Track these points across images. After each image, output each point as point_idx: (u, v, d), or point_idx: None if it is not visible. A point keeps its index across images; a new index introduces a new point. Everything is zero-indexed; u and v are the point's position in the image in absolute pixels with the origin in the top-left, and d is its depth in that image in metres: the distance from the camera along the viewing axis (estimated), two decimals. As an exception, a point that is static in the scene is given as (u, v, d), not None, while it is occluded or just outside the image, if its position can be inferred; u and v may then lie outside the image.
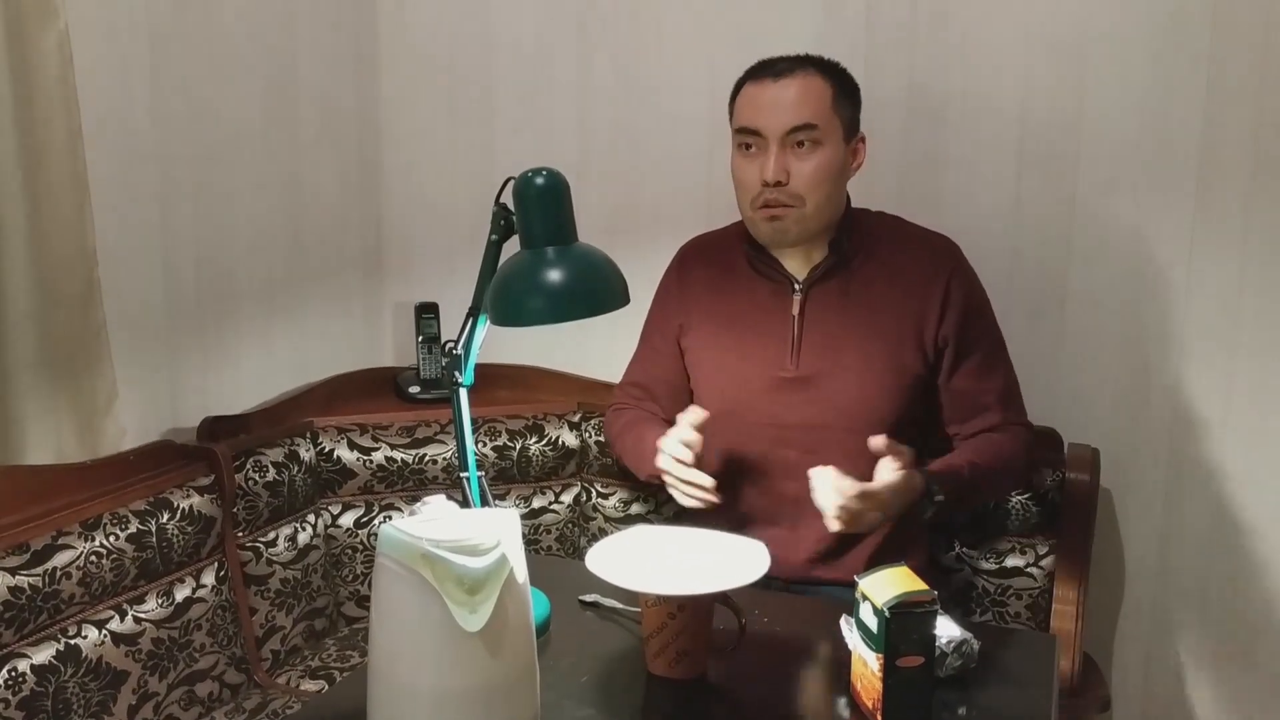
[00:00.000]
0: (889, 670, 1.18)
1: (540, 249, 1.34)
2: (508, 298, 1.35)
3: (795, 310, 1.68)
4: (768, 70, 1.64)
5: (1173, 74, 1.88)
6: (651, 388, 1.84)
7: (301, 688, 1.85)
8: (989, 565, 1.88)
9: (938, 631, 1.23)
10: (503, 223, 1.41)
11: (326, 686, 1.86)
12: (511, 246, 1.41)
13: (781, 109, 1.60)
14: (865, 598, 1.21)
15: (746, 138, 1.63)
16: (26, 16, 1.59)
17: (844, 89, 1.66)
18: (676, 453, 1.55)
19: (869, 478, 1.61)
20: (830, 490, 1.44)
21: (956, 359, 1.68)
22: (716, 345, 1.73)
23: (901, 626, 1.17)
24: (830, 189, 1.63)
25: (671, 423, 1.81)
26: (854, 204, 1.74)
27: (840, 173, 1.65)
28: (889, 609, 1.16)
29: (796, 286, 1.68)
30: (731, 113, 1.69)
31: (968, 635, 1.30)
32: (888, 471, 1.48)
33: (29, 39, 1.60)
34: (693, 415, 1.57)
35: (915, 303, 1.67)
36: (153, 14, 1.85)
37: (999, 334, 1.73)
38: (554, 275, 1.32)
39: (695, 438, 1.55)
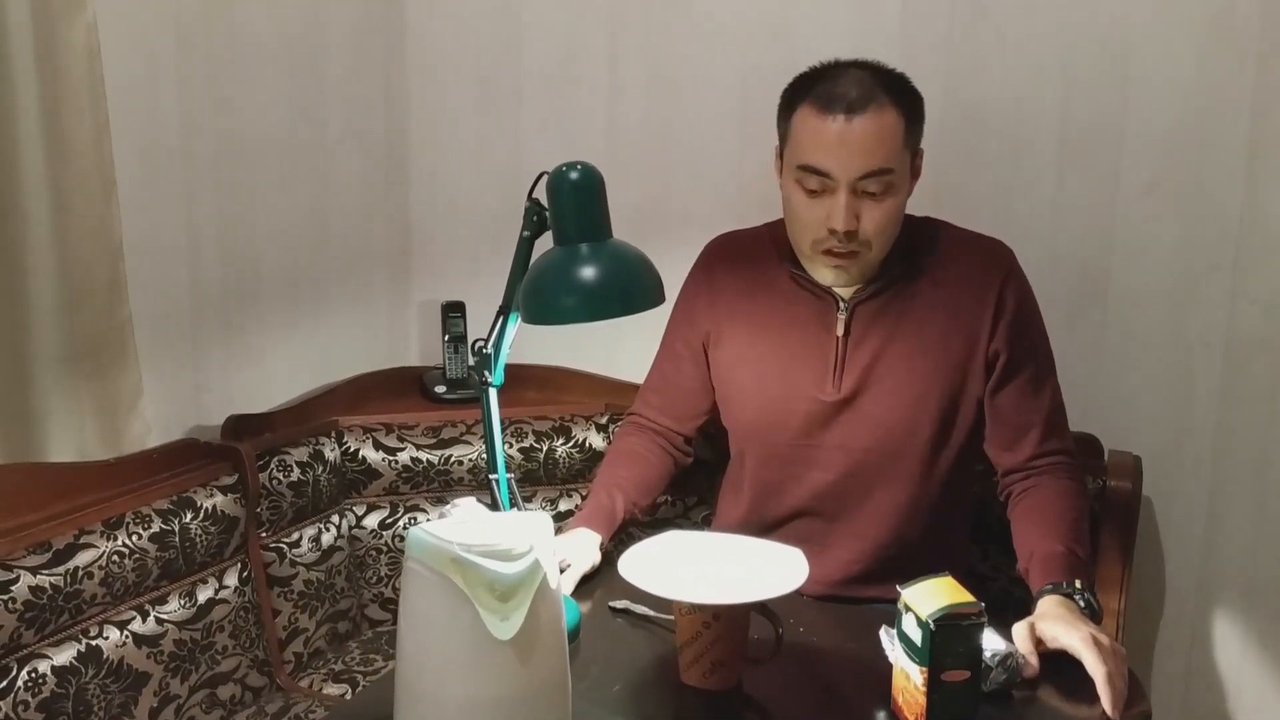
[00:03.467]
0: (933, 684, 1.14)
1: (574, 246, 1.31)
2: (540, 295, 1.31)
3: (840, 330, 1.57)
4: (836, 100, 1.44)
5: (1219, 71, 1.83)
6: (672, 400, 1.75)
7: (324, 691, 1.83)
8: (1027, 574, 1.84)
9: (983, 644, 1.19)
10: (535, 218, 1.38)
11: (349, 690, 1.83)
12: (544, 243, 1.38)
13: (854, 152, 1.44)
14: (908, 609, 1.17)
15: (810, 178, 1.47)
16: (54, 8, 1.58)
17: (914, 114, 1.50)
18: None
19: (907, 502, 1.56)
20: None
21: (1005, 373, 1.56)
22: (751, 362, 1.63)
23: (947, 639, 1.13)
24: (897, 227, 1.53)
25: (682, 437, 1.76)
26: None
27: (905, 204, 1.54)
28: (934, 621, 1.13)
29: (842, 304, 1.57)
30: (785, 133, 1.53)
31: (1013, 648, 1.26)
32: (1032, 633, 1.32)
33: (56, 31, 1.58)
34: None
35: (966, 318, 1.55)
36: (180, 8, 1.83)
37: (1049, 349, 1.62)
38: (588, 273, 1.29)
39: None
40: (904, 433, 1.57)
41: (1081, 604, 1.36)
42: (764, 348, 1.62)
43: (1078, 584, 1.38)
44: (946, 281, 1.58)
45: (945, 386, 1.56)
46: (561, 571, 1.45)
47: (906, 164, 1.51)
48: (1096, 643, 1.26)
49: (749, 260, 1.67)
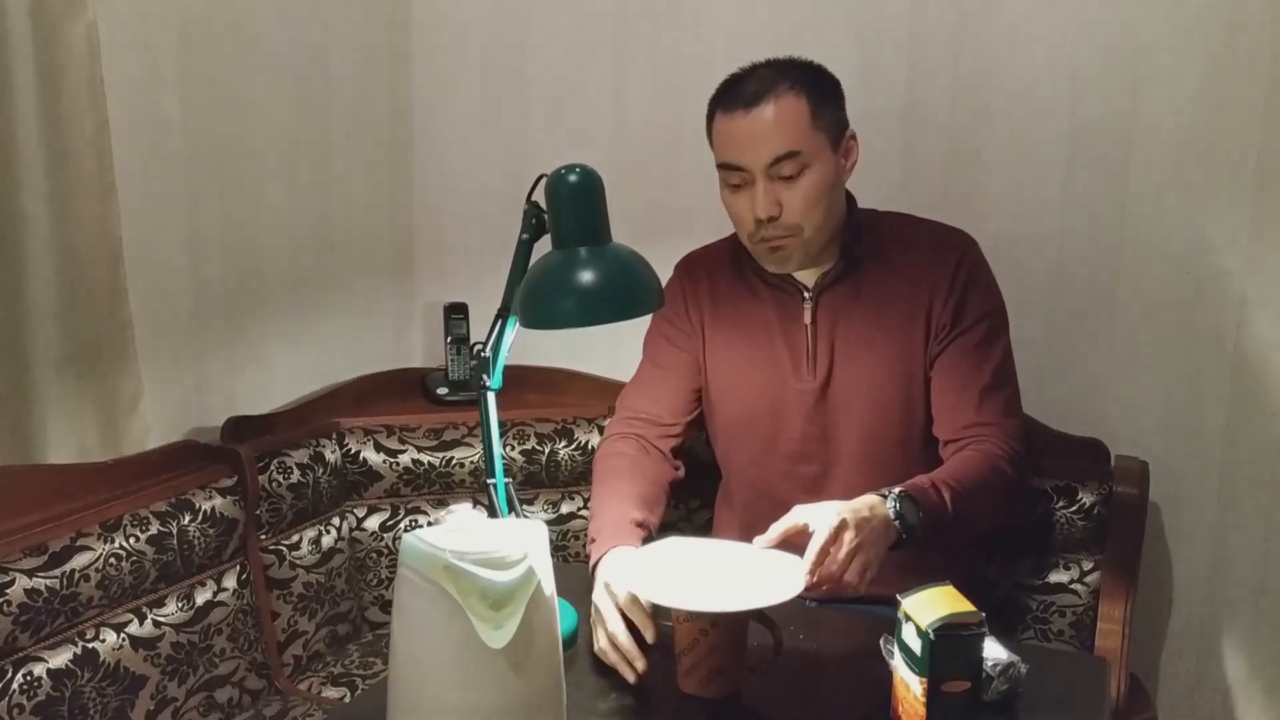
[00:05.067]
0: (933, 695, 1.12)
1: (572, 249, 1.30)
2: (538, 299, 1.30)
3: (807, 319, 1.61)
4: (737, 98, 1.52)
5: (1230, 73, 1.81)
6: (662, 395, 1.71)
7: (323, 695, 1.82)
8: (1032, 581, 1.82)
9: (984, 654, 1.17)
10: (534, 221, 1.37)
11: (349, 694, 1.82)
12: (544, 246, 1.36)
13: (759, 141, 1.50)
14: (908, 618, 1.15)
15: (729, 174, 1.54)
16: (54, 9, 1.57)
17: (822, 97, 1.53)
18: (617, 634, 1.33)
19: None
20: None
21: (946, 341, 1.57)
22: (730, 360, 1.66)
23: (947, 649, 1.11)
24: (826, 206, 1.54)
25: (671, 441, 1.68)
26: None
27: (834, 184, 1.56)
28: (934, 631, 1.11)
29: (806, 294, 1.61)
30: (710, 141, 1.59)
31: (1015, 658, 1.24)
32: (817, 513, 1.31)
33: (57, 31, 1.58)
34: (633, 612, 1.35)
35: (922, 295, 1.58)
36: (182, 7, 1.82)
37: (1000, 328, 1.60)
38: (586, 276, 1.28)
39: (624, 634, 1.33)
40: (880, 414, 1.58)
41: (893, 505, 1.36)
42: (741, 346, 1.65)
43: (897, 490, 1.38)
44: (907, 264, 1.60)
45: (906, 364, 1.58)
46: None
47: (821, 144, 1.53)
48: (839, 525, 1.27)
49: (718, 269, 1.70)
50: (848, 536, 1.28)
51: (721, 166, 1.56)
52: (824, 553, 1.27)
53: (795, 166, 1.50)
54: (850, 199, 1.63)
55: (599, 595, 1.38)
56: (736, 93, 1.53)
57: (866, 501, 1.35)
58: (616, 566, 1.39)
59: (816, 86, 1.53)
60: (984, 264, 1.62)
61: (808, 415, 1.61)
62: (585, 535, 2.05)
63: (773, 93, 1.50)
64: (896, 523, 1.36)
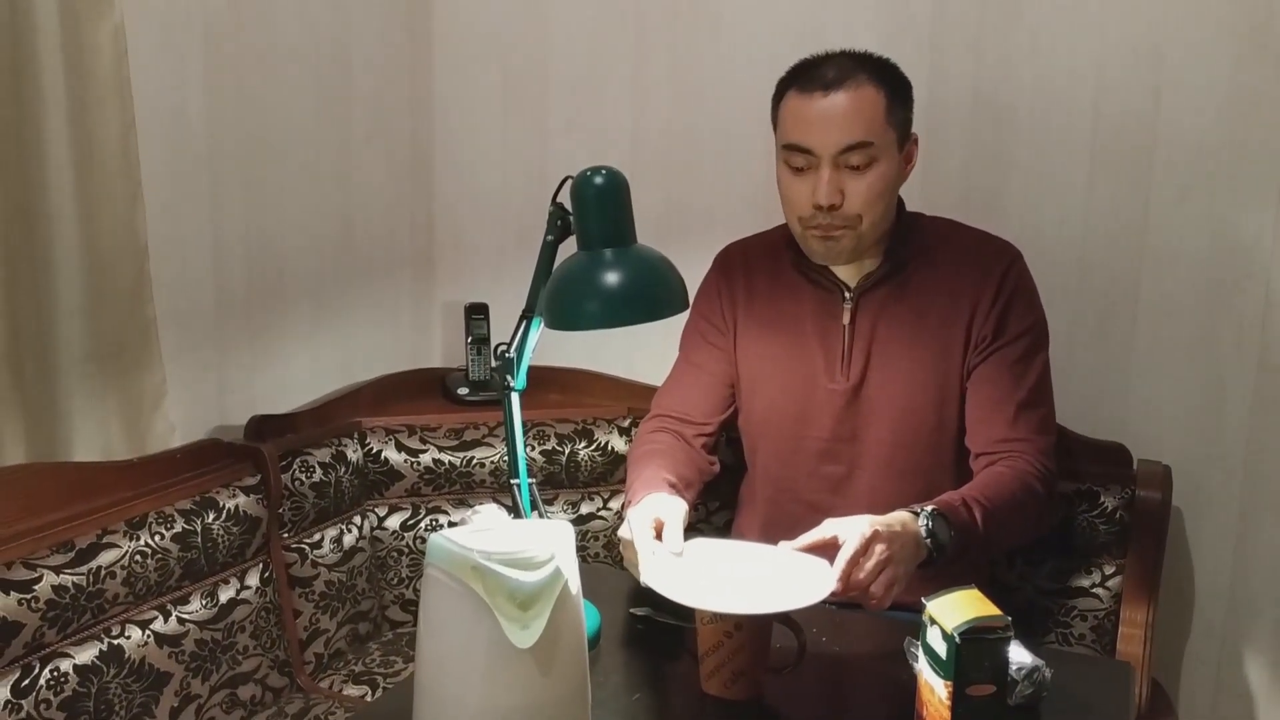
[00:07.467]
0: (958, 699, 1.12)
1: (597, 251, 1.30)
2: (564, 301, 1.30)
3: (846, 320, 1.60)
4: (815, 80, 1.51)
5: (1254, 78, 1.80)
6: (697, 394, 1.71)
7: (345, 693, 1.83)
8: (1053, 585, 1.82)
9: (1009, 658, 1.17)
10: (559, 223, 1.37)
11: (370, 692, 1.83)
12: (568, 248, 1.37)
13: (833, 126, 1.49)
14: (933, 621, 1.15)
15: (795, 155, 1.52)
16: (81, 9, 1.58)
17: (897, 94, 1.54)
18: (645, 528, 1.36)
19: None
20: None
21: (987, 352, 1.56)
22: (763, 355, 1.65)
23: (972, 653, 1.11)
24: (886, 204, 1.54)
25: (703, 439, 1.68)
26: (913, 207, 1.68)
27: (895, 184, 1.56)
28: (959, 634, 1.11)
29: (847, 295, 1.61)
30: (775, 121, 1.59)
31: (1040, 662, 1.23)
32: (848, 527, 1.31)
33: (84, 31, 1.59)
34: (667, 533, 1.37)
35: (965, 304, 1.57)
36: (207, 7, 1.83)
37: (1041, 344, 1.60)
38: (612, 278, 1.28)
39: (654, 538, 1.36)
40: (912, 419, 1.58)
41: (925, 524, 1.36)
42: (776, 342, 1.64)
43: (930, 508, 1.38)
44: (951, 271, 1.59)
45: (943, 372, 1.57)
46: (658, 536, 1.35)
47: (891, 140, 1.53)
48: (871, 536, 1.27)
49: (761, 262, 1.70)
50: (878, 549, 1.28)
51: (786, 147, 1.54)
52: (854, 562, 1.27)
53: (864, 158, 1.50)
54: (899, 202, 1.62)
55: (629, 517, 1.40)
56: (815, 74, 1.52)
57: (899, 518, 1.35)
58: (648, 507, 1.40)
59: (893, 84, 1.54)
60: (1028, 277, 1.61)
61: (837, 415, 1.61)
62: (605, 536, 2.07)
63: (853, 80, 1.50)
64: (927, 541, 1.35)
